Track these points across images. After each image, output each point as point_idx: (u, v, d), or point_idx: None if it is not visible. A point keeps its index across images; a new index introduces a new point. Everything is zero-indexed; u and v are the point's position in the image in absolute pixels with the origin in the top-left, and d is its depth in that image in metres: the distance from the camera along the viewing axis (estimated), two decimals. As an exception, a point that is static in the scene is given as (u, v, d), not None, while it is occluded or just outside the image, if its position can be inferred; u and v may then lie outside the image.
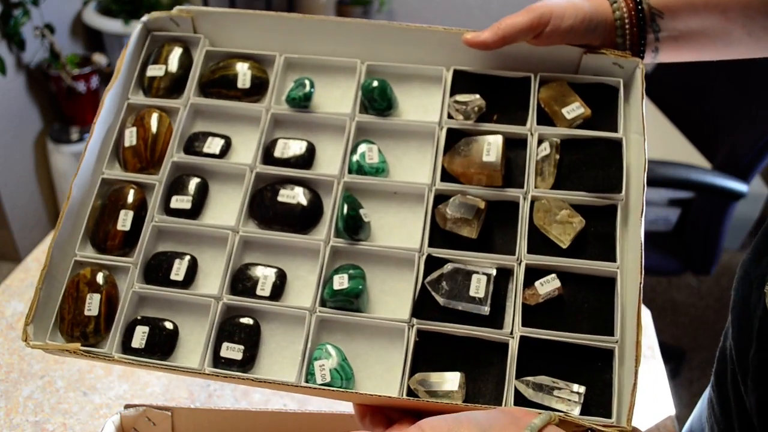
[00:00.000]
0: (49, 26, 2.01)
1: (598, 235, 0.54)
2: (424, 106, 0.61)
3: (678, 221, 1.62)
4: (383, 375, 0.52)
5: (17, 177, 2.08)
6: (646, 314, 0.88)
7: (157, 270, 0.56)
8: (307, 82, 0.60)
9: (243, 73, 0.61)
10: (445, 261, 0.53)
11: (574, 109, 0.57)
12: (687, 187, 1.42)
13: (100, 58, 2.14)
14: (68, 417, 0.69)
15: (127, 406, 0.60)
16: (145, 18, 0.63)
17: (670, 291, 2.09)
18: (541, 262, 0.53)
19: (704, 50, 0.58)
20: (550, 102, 0.58)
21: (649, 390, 0.80)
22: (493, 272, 0.52)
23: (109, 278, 0.55)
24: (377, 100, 0.59)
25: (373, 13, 2.33)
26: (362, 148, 0.58)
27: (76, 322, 0.53)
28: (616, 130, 0.57)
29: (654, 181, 1.41)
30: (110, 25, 2.14)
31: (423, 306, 0.53)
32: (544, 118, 0.58)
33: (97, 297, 0.53)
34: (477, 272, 0.52)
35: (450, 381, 0.49)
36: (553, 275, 0.52)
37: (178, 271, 0.55)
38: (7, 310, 0.83)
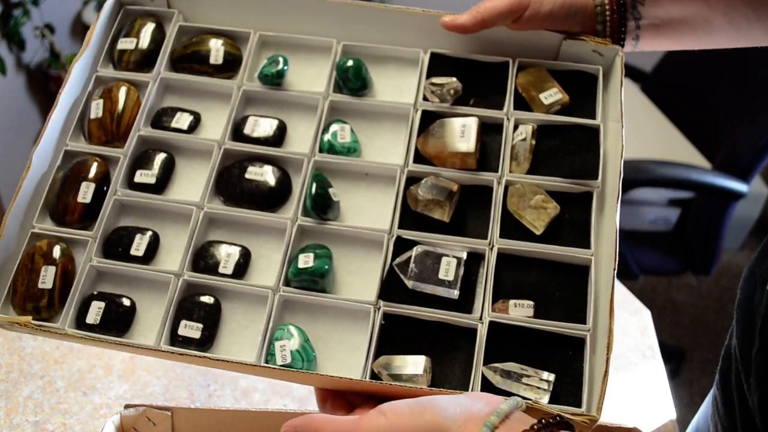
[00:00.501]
0: (49, 26, 2.01)
1: (572, 221, 0.53)
2: (399, 87, 0.60)
3: (678, 221, 1.62)
4: (346, 358, 0.51)
5: (17, 177, 2.08)
6: (646, 314, 0.88)
7: (116, 245, 0.54)
8: (280, 59, 0.59)
9: (216, 49, 0.60)
10: (415, 243, 0.52)
11: (552, 95, 0.56)
12: (687, 187, 1.42)
13: (100, 58, 2.14)
14: (68, 417, 0.69)
15: (127, 406, 0.60)
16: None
17: (670, 291, 2.09)
18: (514, 247, 0.52)
19: (685, 38, 0.57)
20: (528, 87, 0.57)
21: (649, 390, 0.80)
22: (464, 256, 0.51)
23: (67, 251, 0.53)
24: (351, 80, 0.58)
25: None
26: (334, 127, 0.57)
27: (29, 295, 0.51)
28: (594, 118, 0.56)
29: (654, 181, 1.41)
30: (110, 25, 2.15)
31: (390, 288, 0.51)
32: (522, 104, 0.57)
33: (52, 270, 0.51)
34: (447, 255, 0.51)
35: (414, 365, 0.47)
36: (530, 303, 0.50)
37: (139, 246, 0.53)
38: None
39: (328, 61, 0.60)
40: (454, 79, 0.58)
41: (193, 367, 0.76)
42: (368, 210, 0.56)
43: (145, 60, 0.60)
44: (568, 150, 0.55)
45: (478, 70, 0.60)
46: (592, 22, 0.56)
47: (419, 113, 0.57)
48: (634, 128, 1.65)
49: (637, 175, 1.39)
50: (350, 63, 0.59)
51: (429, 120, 0.57)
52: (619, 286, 0.93)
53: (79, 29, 2.27)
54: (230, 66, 0.60)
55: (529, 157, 0.54)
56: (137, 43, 0.60)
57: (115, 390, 0.73)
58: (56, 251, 0.52)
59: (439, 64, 0.60)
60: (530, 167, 0.55)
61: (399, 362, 0.48)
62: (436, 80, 0.58)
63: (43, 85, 2.10)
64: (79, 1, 2.25)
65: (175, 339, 0.51)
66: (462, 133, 0.54)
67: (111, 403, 0.71)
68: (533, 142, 0.55)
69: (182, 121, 0.59)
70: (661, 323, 2.01)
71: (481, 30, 0.55)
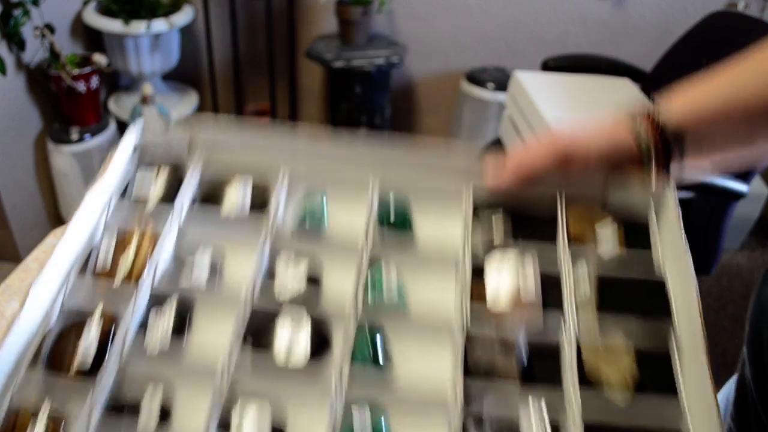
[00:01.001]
0: (49, 26, 2.01)
1: (654, 375, 0.46)
2: (443, 226, 0.54)
3: (678, 221, 1.62)
4: None
5: (17, 177, 2.08)
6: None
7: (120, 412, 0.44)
8: (318, 201, 0.53)
9: (241, 191, 0.53)
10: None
11: (607, 234, 0.52)
12: (687, 187, 1.42)
13: (100, 58, 2.13)
14: (68, 417, 0.69)
15: None
16: (137, 141, 0.57)
17: (670, 291, 2.09)
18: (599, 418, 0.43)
19: (728, 155, 0.56)
20: (580, 224, 0.53)
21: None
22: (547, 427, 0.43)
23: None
24: (395, 219, 0.54)
25: (372, 12, 2.33)
26: (379, 274, 0.50)
27: None
28: (650, 249, 0.52)
29: None
30: (110, 25, 2.14)
31: None
32: (573, 242, 0.53)
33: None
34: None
35: None
36: None
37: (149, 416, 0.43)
38: (7, 310, 0.83)
39: (364, 198, 0.54)
40: (501, 217, 0.53)
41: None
42: (422, 365, 0.48)
43: (167, 197, 0.54)
44: (633, 306, 0.49)
45: (525, 204, 0.55)
46: (638, 159, 0.54)
47: (468, 256, 0.50)
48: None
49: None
50: (392, 199, 0.53)
51: (480, 265, 0.51)
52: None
53: (79, 29, 2.27)
54: (258, 207, 0.54)
55: (594, 304, 0.49)
56: (156, 187, 0.54)
57: (115, 390, 0.72)
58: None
59: (482, 198, 0.55)
60: (597, 320, 0.48)
61: None
62: (484, 222, 0.53)
63: (43, 85, 2.10)
64: (79, 1, 2.25)
65: None
66: (521, 281, 0.48)
67: (111, 403, 0.71)
68: (595, 296, 0.49)
69: (202, 268, 0.51)
70: (661, 323, 2.01)
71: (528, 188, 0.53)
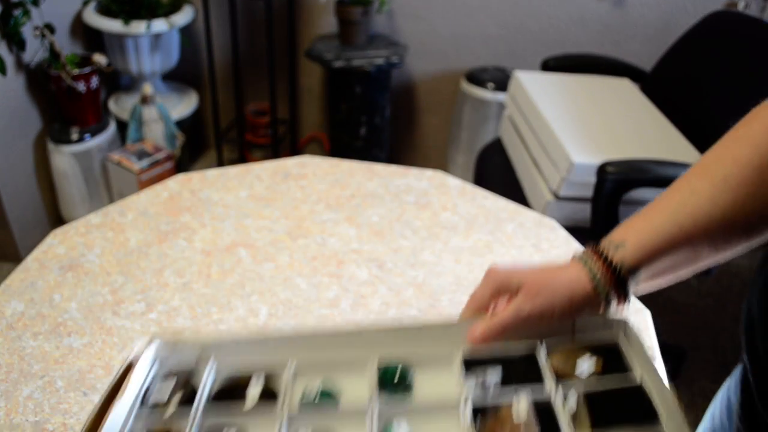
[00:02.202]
0: (49, 26, 2.01)
1: None
2: (440, 384, 0.62)
3: (678, 221, 1.62)
4: None
5: (17, 177, 2.08)
6: (647, 314, 0.88)
7: None
8: (328, 383, 0.62)
9: (252, 394, 0.61)
10: None
11: (586, 365, 0.60)
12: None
13: (100, 58, 2.14)
14: (68, 417, 0.69)
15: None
16: (156, 345, 0.64)
17: (670, 291, 2.09)
18: None
19: (677, 275, 0.61)
20: (561, 366, 0.60)
21: (649, 390, 0.80)
22: None
23: None
24: (398, 383, 0.61)
25: (372, 12, 2.33)
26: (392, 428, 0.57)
27: None
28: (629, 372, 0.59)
29: (653, 181, 1.41)
30: (110, 25, 2.15)
31: None
32: (559, 379, 0.60)
33: None
34: None
35: None
36: None
37: None
38: (7, 310, 0.83)
39: (365, 373, 0.62)
40: (497, 371, 0.60)
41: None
42: None
43: (185, 401, 0.60)
44: (622, 413, 0.56)
45: (512, 357, 0.62)
46: (598, 301, 0.59)
47: (469, 406, 0.58)
48: (634, 128, 1.65)
49: (637, 175, 1.40)
50: (396, 367, 0.61)
51: (476, 412, 0.58)
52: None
53: (79, 29, 2.27)
54: (268, 397, 0.60)
55: (587, 421, 0.55)
56: (175, 392, 0.61)
57: (115, 390, 0.73)
58: None
59: (472, 361, 0.62)
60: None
61: None
62: (481, 375, 0.60)
63: (43, 85, 2.10)
64: (79, 1, 2.26)
65: None
66: (517, 411, 0.56)
67: (111, 403, 0.71)
68: (585, 408, 0.56)
69: None
70: (661, 323, 2.01)
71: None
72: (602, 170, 1.39)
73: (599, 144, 1.54)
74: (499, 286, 0.61)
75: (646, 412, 0.55)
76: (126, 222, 1.01)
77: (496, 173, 2.13)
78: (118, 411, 0.57)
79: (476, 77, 2.30)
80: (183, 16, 2.28)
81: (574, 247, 1.01)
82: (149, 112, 2.30)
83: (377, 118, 2.42)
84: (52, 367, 0.75)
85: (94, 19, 2.17)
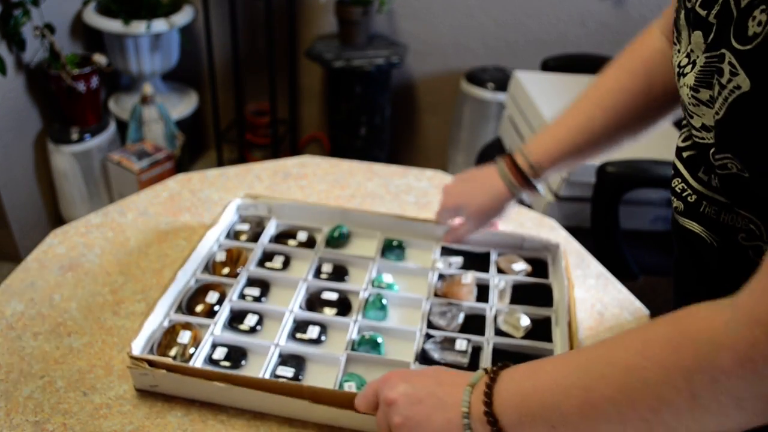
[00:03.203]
0: (49, 26, 2.01)
1: (539, 330, 0.82)
2: (423, 260, 0.95)
3: (678, 221, 1.62)
4: None
5: (17, 177, 2.08)
6: (647, 314, 0.88)
7: (234, 320, 0.82)
8: (343, 230, 0.96)
9: (299, 238, 0.97)
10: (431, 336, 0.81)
11: (521, 267, 0.92)
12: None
13: (100, 58, 2.14)
14: (68, 417, 0.69)
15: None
16: (239, 201, 0.99)
17: (669, 291, 2.09)
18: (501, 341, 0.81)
19: (571, 169, 0.94)
20: (502, 264, 0.93)
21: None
22: (470, 348, 0.78)
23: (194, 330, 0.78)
24: (394, 251, 0.95)
25: (372, 12, 2.33)
26: (382, 275, 0.90)
27: (170, 346, 0.75)
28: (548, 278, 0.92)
29: (653, 180, 1.41)
30: (110, 25, 2.14)
31: (424, 358, 0.78)
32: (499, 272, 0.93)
33: (188, 333, 0.77)
34: (461, 339, 0.79)
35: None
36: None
37: (249, 321, 0.82)
38: (7, 310, 0.83)
39: (374, 241, 0.96)
40: (460, 258, 0.94)
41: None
42: (408, 315, 0.86)
43: (253, 237, 0.96)
44: (533, 296, 0.88)
45: (472, 255, 0.95)
46: (511, 194, 0.86)
47: (436, 273, 0.90)
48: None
49: (637, 175, 1.40)
50: (394, 243, 0.95)
51: (441, 276, 0.91)
52: (619, 286, 0.93)
53: (79, 29, 2.27)
54: (310, 244, 0.96)
55: (508, 296, 0.88)
56: (249, 228, 0.97)
57: (115, 390, 0.73)
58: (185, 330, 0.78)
59: (447, 249, 0.96)
60: (509, 302, 0.87)
61: None
62: (449, 258, 0.93)
63: (43, 85, 2.10)
64: (79, 1, 2.25)
65: (273, 377, 0.74)
66: (465, 279, 0.88)
67: (111, 403, 0.71)
68: (510, 290, 0.88)
69: (277, 262, 0.92)
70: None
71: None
72: (602, 170, 1.39)
73: (599, 144, 1.53)
74: (454, 209, 0.91)
75: (547, 301, 0.87)
76: (126, 222, 1.01)
77: (496, 173, 2.12)
78: (210, 234, 0.91)
79: (476, 77, 2.30)
80: (183, 16, 2.28)
81: (575, 247, 1.01)
82: (149, 112, 2.30)
83: (377, 118, 2.42)
84: (52, 367, 0.75)
85: (94, 19, 2.17)
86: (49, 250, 0.94)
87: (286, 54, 2.49)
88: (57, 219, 2.32)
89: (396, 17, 2.43)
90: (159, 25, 2.18)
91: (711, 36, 0.49)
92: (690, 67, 0.53)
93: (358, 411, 0.64)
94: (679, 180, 0.61)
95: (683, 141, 0.62)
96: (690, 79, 0.52)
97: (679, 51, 0.57)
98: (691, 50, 0.54)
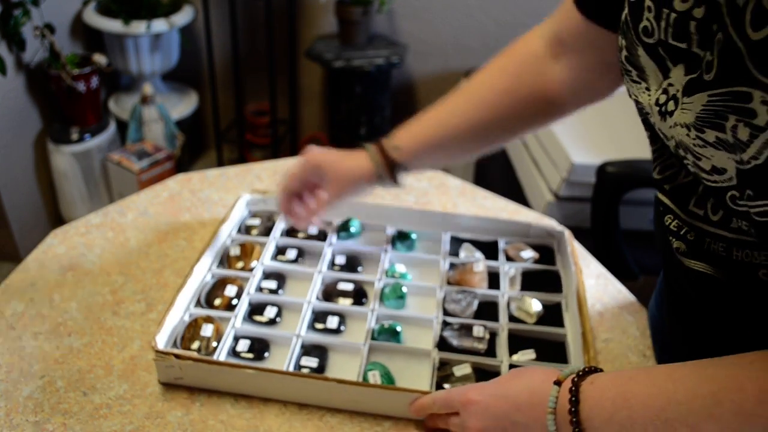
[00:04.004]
0: (49, 26, 2.01)
1: (550, 315, 0.85)
2: (431, 248, 0.97)
3: (678, 221, 1.62)
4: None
5: (17, 177, 2.08)
6: (645, 314, 0.88)
7: (254, 312, 0.83)
8: (355, 224, 0.99)
9: (310, 231, 0.99)
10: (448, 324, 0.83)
11: (528, 254, 0.94)
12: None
13: (100, 58, 2.14)
14: (68, 417, 0.69)
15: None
16: (248, 197, 1.00)
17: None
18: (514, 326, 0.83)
19: (436, 167, 0.90)
20: (513, 251, 0.95)
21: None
22: (487, 334, 0.81)
23: (216, 324, 0.80)
24: (405, 242, 0.96)
25: (372, 12, 2.33)
26: (395, 265, 0.93)
27: (193, 339, 0.77)
28: (555, 265, 0.93)
29: (653, 180, 1.40)
30: (110, 25, 2.14)
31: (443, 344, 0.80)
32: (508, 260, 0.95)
33: (210, 326, 0.79)
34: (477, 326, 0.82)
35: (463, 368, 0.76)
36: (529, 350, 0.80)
37: (269, 313, 0.84)
38: (7, 310, 0.83)
39: (384, 232, 0.98)
40: (480, 255, 0.94)
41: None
42: (423, 304, 0.88)
43: (265, 232, 0.97)
44: (542, 283, 0.90)
45: (481, 241, 0.97)
46: (376, 177, 0.82)
47: (447, 262, 0.93)
48: (634, 128, 1.64)
49: (637, 175, 1.39)
50: (404, 233, 0.97)
51: (452, 265, 0.93)
52: (619, 286, 0.93)
53: (79, 29, 2.27)
54: (321, 236, 0.98)
55: (518, 283, 0.90)
56: (260, 223, 0.99)
57: (115, 390, 0.73)
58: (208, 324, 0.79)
59: (456, 238, 0.98)
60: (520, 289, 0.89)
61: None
62: (472, 252, 0.95)
63: (43, 85, 2.10)
64: (79, 1, 2.25)
65: (298, 367, 0.76)
66: (477, 267, 0.90)
67: (111, 403, 0.71)
68: (521, 277, 0.90)
69: (291, 255, 0.94)
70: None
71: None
72: (602, 170, 1.39)
73: (599, 144, 1.54)
74: (314, 168, 0.83)
75: (556, 287, 0.89)
76: (126, 222, 1.01)
77: (496, 173, 2.13)
78: (224, 229, 0.93)
79: (476, 77, 2.30)
80: (183, 16, 2.28)
81: (575, 247, 1.00)
82: (149, 112, 2.30)
83: (377, 118, 2.42)
84: (52, 367, 0.75)
85: (94, 19, 2.17)
86: (49, 250, 0.94)
87: (286, 54, 2.49)
88: (57, 219, 2.32)
89: (396, 17, 2.43)
90: (159, 25, 2.18)
91: (709, 72, 0.44)
92: (673, 103, 0.49)
93: (414, 411, 0.68)
94: (671, 217, 0.58)
95: (661, 173, 0.59)
96: (687, 117, 0.47)
97: (648, 89, 0.53)
98: (670, 85, 0.49)
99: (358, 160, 0.82)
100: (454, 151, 0.79)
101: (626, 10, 0.53)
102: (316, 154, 0.83)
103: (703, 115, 0.45)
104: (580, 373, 0.56)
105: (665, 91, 0.49)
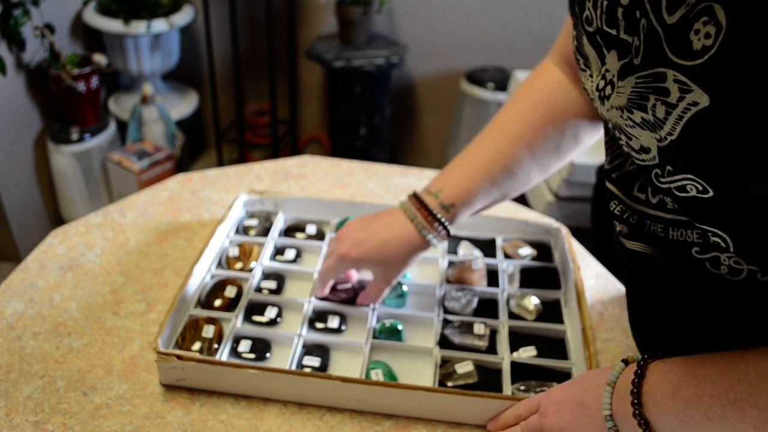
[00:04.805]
0: (49, 26, 2.01)
1: (549, 312, 0.86)
2: (430, 249, 0.87)
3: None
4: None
5: (17, 177, 2.08)
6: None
7: (252, 313, 0.83)
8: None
9: (308, 232, 0.99)
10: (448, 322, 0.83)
11: (526, 251, 0.95)
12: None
13: (100, 58, 2.14)
14: (68, 417, 0.69)
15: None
16: (245, 198, 0.99)
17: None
18: (514, 323, 0.83)
19: (488, 207, 0.79)
20: (511, 248, 0.96)
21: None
22: (488, 331, 0.81)
23: (217, 324, 0.80)
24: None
25: (372, 12, 2.33)
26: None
27: (195, 340, 0.77)
28: (552, 262, 0.94)
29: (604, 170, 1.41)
30: (110, 25, 2.14)
31: (444, 341, 0.80)
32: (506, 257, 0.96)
33: (212, 327, 0.79)
34: (478, 323, 0.82)
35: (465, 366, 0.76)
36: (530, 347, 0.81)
37: (270, 313, 0.83)
38: (7, 310, 0.83)
39: None
40: (478, 253, 0.94)
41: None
42: (422, 302, 0.88)
43: (263, 232, 0.97)
44: (540, 280, 0.90)
45: (478, 238, 0.99)
46: (426, 244, 0.77)
47: (446, 260, 0.93)
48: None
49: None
50: None
51: (450, 263, 0.93)
52: (619, 286, 0.93)
53: (79, 29, 2.27)
54: (319, 236, 0.98)
55: (517, 281, 0.90)
56: (257, 224, 0.98)
57: (115, 390, 0.73)
58: (209, 325, 0.79)
59: (453, 238, 0.97)
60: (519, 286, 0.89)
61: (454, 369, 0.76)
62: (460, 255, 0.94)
63: (43, 85, 2.10)
64: (79, 1, 2.25)
65: (300, 367, 0.76)
66: (476, 265, 0.90)
67: (111, 403, 0.71)
68: (518, 275, 0.90)
69: (289, 255, 0.94)
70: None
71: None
72: (602, 170, 1.39)
73: (599, 144, 1.54)
74: (355, 263, 0.78)
75: (555, 284, 0.89)
76: (126, 222, 1.01)
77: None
78: (221, 230, 0.92)
79: (476, 77, 2.30)
80: (183, 16, 2.28)
81: (574, 247, 1.01)
82: (149, 112, 2.30)
83: (377, 118, 2.42)
84: (52, 367, 0.75)
85: (94, 19, 2.17)
86: (49, 250, 0.94)
87: (286, 54, 2.49)
88: (57, 219, 2.32)
89: (396, 17, 2.43)
90: (159, 25, 2.18)
91: (637, 56, 0.46)
92: (610, 87, 0.51)
93: (497, 429, 0.69)
94: (616, 202, 0.60)
95: (610, 162, 0.61)
96: (620, 100, 0.49)
97: (591, 76, 0.54)
98: (607, 71, 0.51)
99: (402, 235, 0.75)
100: (503, 190, 0.76)
101: (575, 1, 0.56)
102: (351, 242, 0.77)
103: (632, 97, 0.47)
104: (653, 354, 0.57)
105: (603, 77, 0.52)
